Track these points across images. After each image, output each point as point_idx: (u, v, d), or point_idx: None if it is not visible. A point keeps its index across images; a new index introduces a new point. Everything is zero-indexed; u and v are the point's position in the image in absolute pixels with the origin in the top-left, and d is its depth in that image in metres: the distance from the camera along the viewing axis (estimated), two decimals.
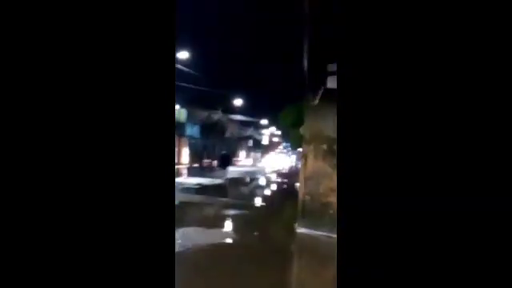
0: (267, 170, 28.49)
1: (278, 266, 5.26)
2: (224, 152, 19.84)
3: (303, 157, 7.53)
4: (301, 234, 6.92)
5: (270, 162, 38.60)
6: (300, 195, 7.42)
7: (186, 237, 6.00)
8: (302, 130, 14.66)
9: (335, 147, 7.06)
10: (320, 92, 8.05)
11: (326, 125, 7.20)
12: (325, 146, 7.17)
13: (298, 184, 18.17)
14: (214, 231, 6.99)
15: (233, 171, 23.80)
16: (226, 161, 18.58)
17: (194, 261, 5.02)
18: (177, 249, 5.35)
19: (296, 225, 7.22)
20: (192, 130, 30.08)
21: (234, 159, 21.65)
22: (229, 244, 6.02)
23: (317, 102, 8.02)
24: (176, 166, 24.60)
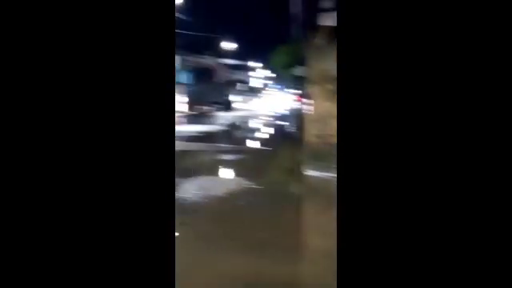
0: (261, 113, 28.41)
1: (294, 209, 5.31)
2: (226, 97, 20.15)
3: (309, 98, 7.43)
4: (311, 176, 6.95)
5: (261, 104, 38.40)
6: (307, 137, 7.38)
7: (201, 187, 6.01)
8: (298, 71, 14.50)
9: None
10: (321, 31, 7.83)
11: (332, 65, 7.04)
12: (331, 87, 7.05)
13: (288, 124, 18.33)
14: (226, 180, 7.03)
15: (228, 116, 23.73)
16: (228, 106, 18.87)
17: (215, 210, 5.05)
18: (196, 199, 5.37)
19: (304, 168, 7.24)
20: (182, 77, 29.58)
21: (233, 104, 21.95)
22: (243, 190, 6.03)
23: (318, 41, 7.82)
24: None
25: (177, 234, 4.19)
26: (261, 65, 45.18)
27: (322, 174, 6.92)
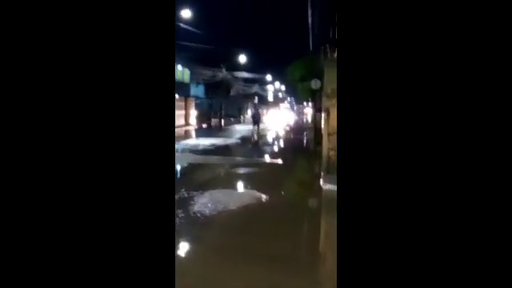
0: (274, 127, 28.39)
1: (314, 224, 5.22)
2: (255, 111, 21.23)
3: (325, 112, 7.36)
4: (328, 190, 6.84)
5: (275, 117, 38.40)
6: (324, 151, 7.30)
7: (215, 200, 5.95)
8: (313, 84, 14.48)
9: None
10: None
11: None
12: None
13: (305, 138, 18.36)
14: (241, 193, 6.95)
15: (240, 129, 23.73)
16: (257, 118, 20.70)
17: (231, 224, 4.98)
18: (210, 213, 5.30)
19: (321, 181, 7.14)
20: (196, 90, 29.67)
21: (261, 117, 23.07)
22: (260, 205, 5.94)
23: (335, 54, 7.77)
24: (185, 128, 24.55)
25: (190, 247, 4.12)
26: (277, 78, 45.36)
27: None
